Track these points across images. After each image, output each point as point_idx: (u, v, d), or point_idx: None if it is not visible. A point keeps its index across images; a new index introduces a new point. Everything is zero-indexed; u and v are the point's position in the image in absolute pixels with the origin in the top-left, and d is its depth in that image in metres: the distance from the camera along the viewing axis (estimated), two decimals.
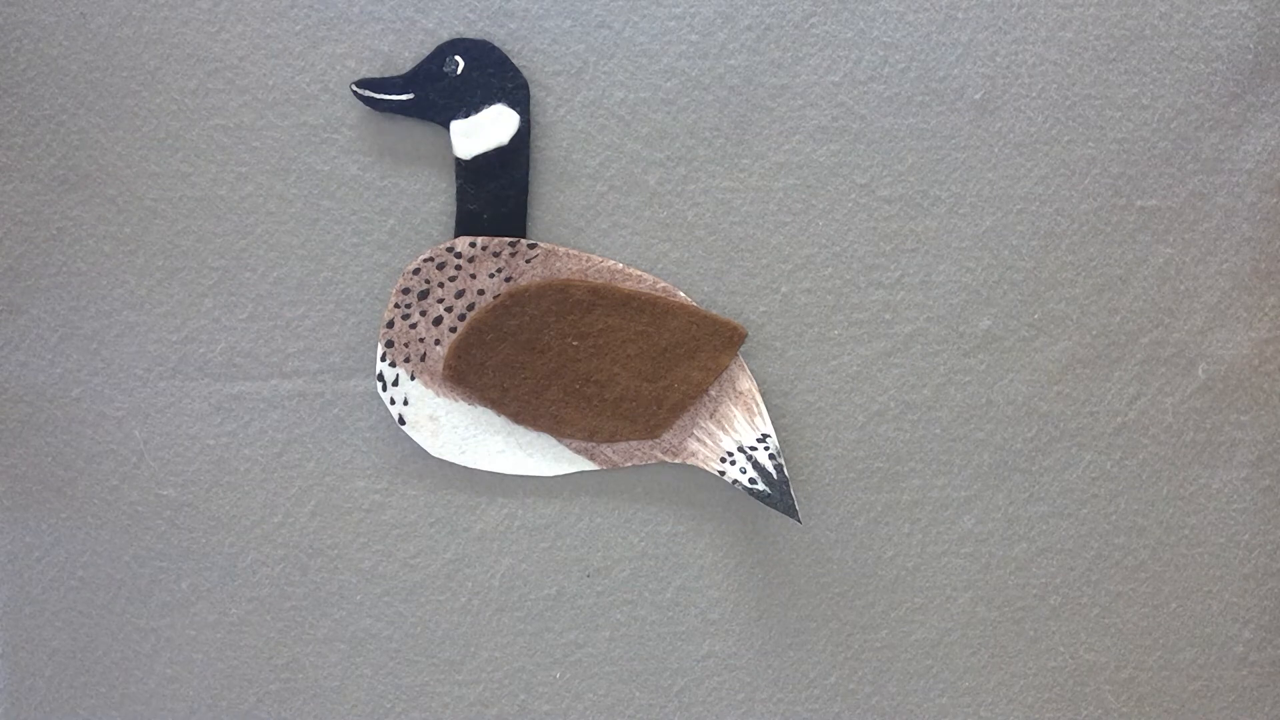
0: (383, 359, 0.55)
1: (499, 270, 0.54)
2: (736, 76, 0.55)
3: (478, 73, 0.54)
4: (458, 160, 0.54)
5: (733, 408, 0.56)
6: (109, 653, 0.57)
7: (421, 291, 0.54)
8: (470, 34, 0.54)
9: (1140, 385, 0.58)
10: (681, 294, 0.56)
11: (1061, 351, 0.58)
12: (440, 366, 0.55)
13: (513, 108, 0.54)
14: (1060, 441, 0.58)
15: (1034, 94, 0.56)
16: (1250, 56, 0.56)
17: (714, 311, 0.56)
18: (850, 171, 0.56)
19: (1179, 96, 0.56)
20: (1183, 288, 0.58)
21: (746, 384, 0.56)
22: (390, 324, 0.55)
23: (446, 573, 0.57)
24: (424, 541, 0.57)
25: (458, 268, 0.54)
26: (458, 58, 0.54)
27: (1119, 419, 0.58)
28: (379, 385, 0.55)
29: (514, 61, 0.54)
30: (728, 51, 0.55)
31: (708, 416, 0.56)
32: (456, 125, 0.54)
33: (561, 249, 0.55)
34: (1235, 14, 0.56)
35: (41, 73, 0.54)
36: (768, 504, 0.55)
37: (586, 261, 0.55)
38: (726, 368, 0.55)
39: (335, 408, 0.56)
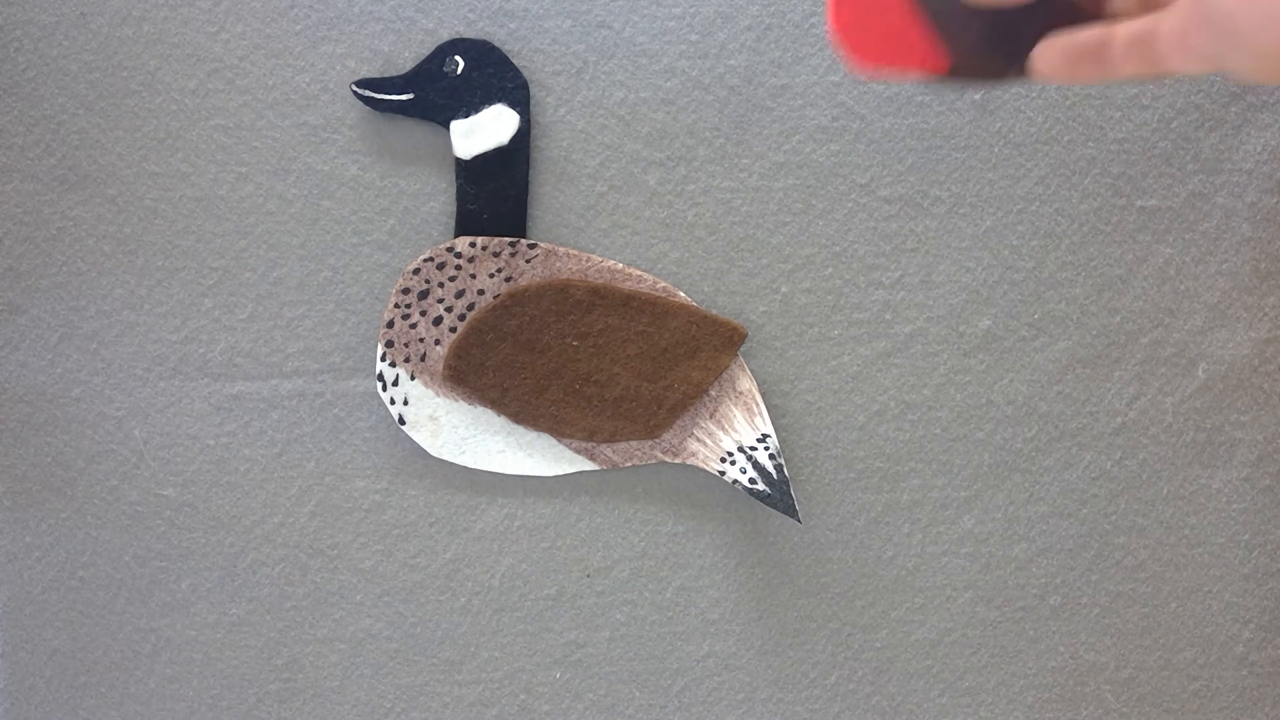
0: (383, 359, 0.55)
1: (499, 270, 0.54)
2: (736, 76, 0.55)
3: (478, 73, 0.54)
4: (458, 160, 0.54)
5: (733, 408, 0.56)
6: (109, 653, 0.57)
7: (421, 291, 0.54)
8: (470, 34, 0.54)
9: (1140, 385, 0.58)
10: (681, 294, 0.56)
11: (1061, 351, 0.58)
12: (440, 366, 0.55)
13: (513, 108, 0.54)
14: (1060, 441, 0.58)
15: (1034, 94, 0.56)
16: None
17: (714, 311, 0.56)
18: (850, 171, 0.56)
19: (1179, 96, 0.56)
20: (1183, 288, 0.58)
21: (746, 384, 0.56)
22: (390, 324, 0.55)
23: (446, 573, 0.57)
24: (424, 541, 0.57)
25: (458, 268, 0.54)
26: (458, 58, 0.54)
27: (1119, 419, 0.58)
28: (379, 385, 0.55)
29: (514, 61, 0.54)
30: (728, 51, 0.55)
31: (708, 416, 0.56)
32: (456, 125, 0.54)
33: (561, 249, 0.55)
34: None
35: (41, 73, 0.54)
36: (768, 504, 0.55)
37: (586, 261, 0.55)
38: (726, 368, 0.55)
39: (335, 408, 0.56)
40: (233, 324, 0.56)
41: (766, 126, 0.56)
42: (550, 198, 0.56)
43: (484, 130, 0.54)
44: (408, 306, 0.54)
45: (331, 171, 0.55)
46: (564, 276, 0.55)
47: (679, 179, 0.56)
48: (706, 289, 0.56)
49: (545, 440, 0.56)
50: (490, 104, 0.54)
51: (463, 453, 0.56)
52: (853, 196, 0.56)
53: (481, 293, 0.54)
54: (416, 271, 0.54)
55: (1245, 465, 0.59)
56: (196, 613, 0.57)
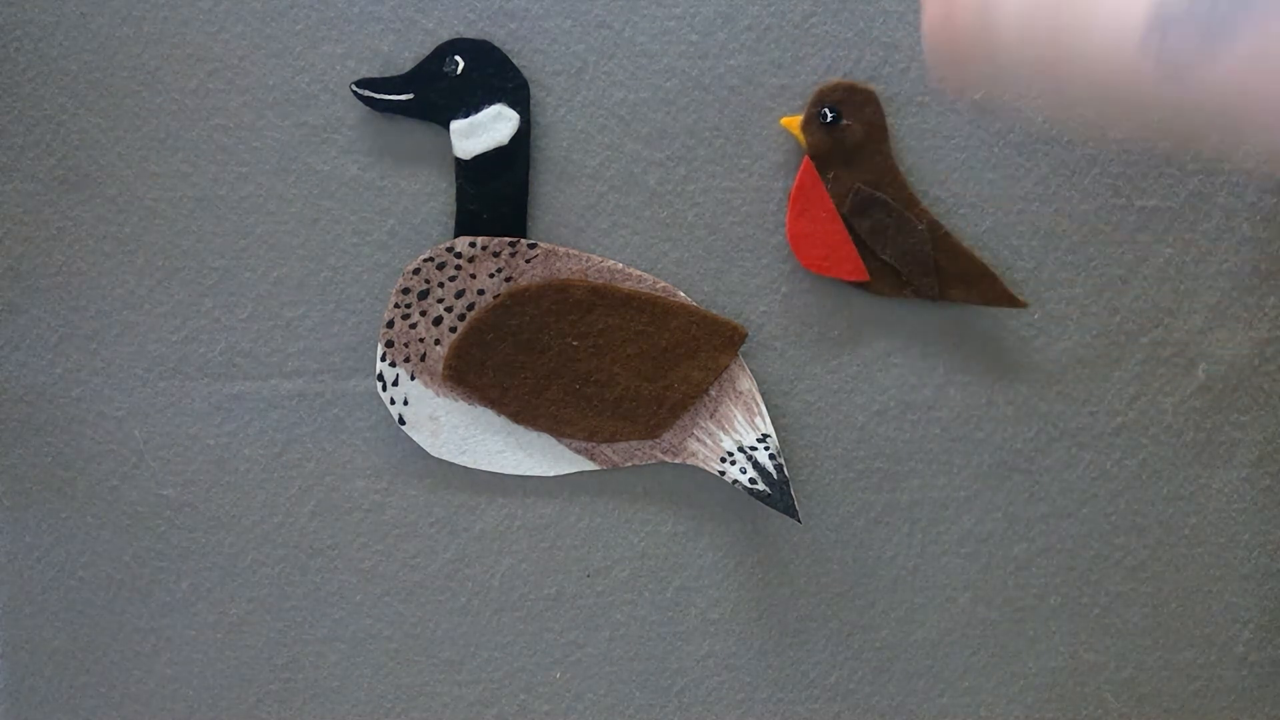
0: (383, 359, 0.55)
1: (499, 270, 0.54)
2: (736, 76, 0.55)
3: (478, 73, 0.54)
4: (458, 160, 0.54)
5: (733, 408, 0.56)
6: (109, 653, 0.57)
7: (421, 291, 0.54)
8: (470, 34, 0.54)
9: (1140, 385, 0.58)
10: (681, 294, 0.56)
11: (1061, 351, 0.58)
12: (440, 366, 0.55)
13: (513, 108, 0.54)
14: (1060, 441, 0.58)
15: (1034, 94, 0.56)
16: None
17: (714, 311, 0.56)
18: None
19: None
20: (1183, 288, 0.58)
21: (746, 384, 0.56)
22: (390, 324, 0.55)
23: (446, 573, 0.57)
24: (424, 541, 0.57)
25: (458, 268, 0.54)
26: (458, 58, 0.54)
27: (1119, 419, 0.58)
28: (379, 385, 0.55)
29: (514, 61, 0.54)
30: (728, 51, 0.55)
31: (708, 416, 0.56)
32: (456, 125, 0.54)
33: (561, 249, 0.55)
34: None
35: (41, 73, 0.54)
36: (768, 504, 0.55)
37: (586, 261, 0.55)
38: (726, 368, 0.55)
39: (335, 408, 0.56)
40: (233, 324, 0.56)
41: (766, 126, 0.56)
42: (550, 198, 0.56)
43: (484, 130, 0.54)
44: (408, 306, 0.54)
45: (331, 171, 0.55)
46: (564, 276, 0.55)
47: (679, 179, 0.56)
48: (706, 289, 0.56)
49: (545, 440, 0.56)
50: (490, 104, 0.54)
51: (463, 453, 0.56)
52: None
53: (481, 293, 0.54)
54: (416, 271, 0.54)
55: (1245, 465, 0.59)
56: (196, 613, 0.57)
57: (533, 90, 0.55)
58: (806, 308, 0.57)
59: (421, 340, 0.54)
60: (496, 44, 0.54)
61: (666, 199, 0.56)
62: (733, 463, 0.55)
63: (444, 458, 0.56)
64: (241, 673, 0.58)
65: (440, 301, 0.54)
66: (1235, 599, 0.59)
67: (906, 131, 0.56)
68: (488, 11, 0.54)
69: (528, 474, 0.57)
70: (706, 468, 0.56)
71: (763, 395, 0.56)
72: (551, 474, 0.57)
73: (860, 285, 0.56)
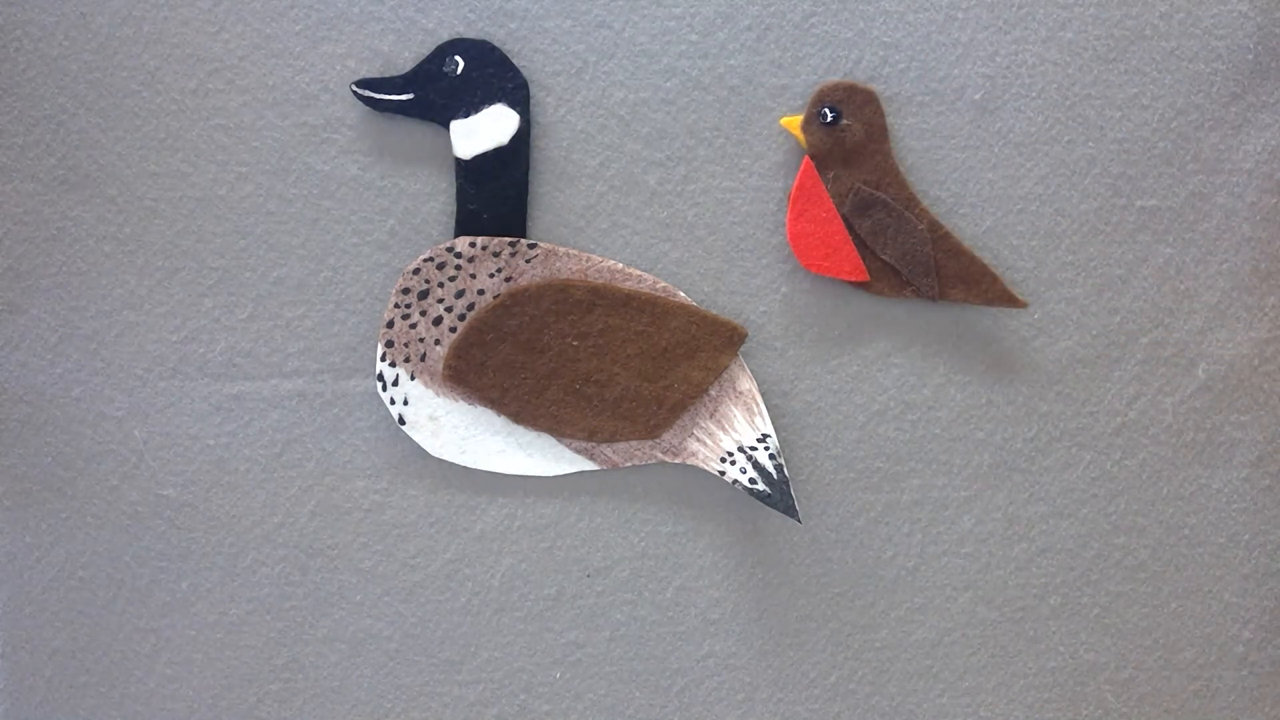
0: (383, 359, 0.55)
1: (499, 270, 0.54)
2: (736, 76, 0.55)
3: (478, 73, 0.54)
4: (458, 160, 0.54)
5: (733, 408, 0.56)
6: (109, 653, 0.57)
7: (421, 291, 0.54)
8: (470, 34, 0.54)
9: (1140, 385, 0.58)
10: (681, 294, 0.56)
11: (1061, 351, 0.58)
12: (440, 366, 0.55)
13: (513, 108, 0.54)
14: (1060, 441, 0.58)
15: (1034, 94, 0.56)
16: (1250, 56, 0.56)
17: (714, 311, 0.56)
18: None
19: (1179, 96, 0.56)
20: (1183, 288, 0.58)
21: (746, 384, 0.56)
22: (390, 324, 0.55)
23: (446, 573, 0.57)
24: (424, 541, 0.57)
25: (458, 268, 0.54)
26: (458, 58, 0.54)
27: (1119, 419, 0.58)
28: (379, 385, 0.55)
29: (514, 61, 0.54)
30: (728, 51, 0.55)
31: (708, 416, 0.56)
32: (456, 125, 0.54)
33: (561, 249, 0.55)
34: (1235, 14, 0.56)
35: (41, 73, 0.54)
36: (768, 504, 0.55)
37: (586, 261, 0.55)
38: (726, 368, 0.55)
39: (335, 408, 0.56)
40: (233, 324, 0.56)
41: (766, 126, 0.56)
42: (550, 198, 0.56)
43: (484, 130, 0.54)
44: (408, 306, 0.54)
45: (331, 171, 0.55)
46: (564, 276, 0.55)
47: (679, 179, 0.56)
48: (706, 289, 0.56)
49: (545, 440, 0.56)
50: (490, 104, 0.54)
51: (463, 453, 0.56)
52: None
53: (481, 293, 0.54)
54: (416, 271, 0.54)
55: (1245, 465, 0.59)
56: (196, 613, 0.57)
57: (533, 90, 0.55)
58: (806, 308, 0.57)
59: (421, 340, 0.54)
60: (496, 44, 0.54)
61: (666, 199, 0.56)
62: (733, 463, 0.55)
63: (444, 458, 0.56)
64: (241, 673, 0.58)
65: (440, 301, 0.54)
66: (1235, 599, 0.59)
67: (906, 131, 0.56)
68: (488, 11, 0.54)
69: (528, 474, 0.57)
70: (706, 468, 0.56)
71: (763, 395, 0.56)
72: (551, 474, 0.57)
73: (860, 285, 0.56)
